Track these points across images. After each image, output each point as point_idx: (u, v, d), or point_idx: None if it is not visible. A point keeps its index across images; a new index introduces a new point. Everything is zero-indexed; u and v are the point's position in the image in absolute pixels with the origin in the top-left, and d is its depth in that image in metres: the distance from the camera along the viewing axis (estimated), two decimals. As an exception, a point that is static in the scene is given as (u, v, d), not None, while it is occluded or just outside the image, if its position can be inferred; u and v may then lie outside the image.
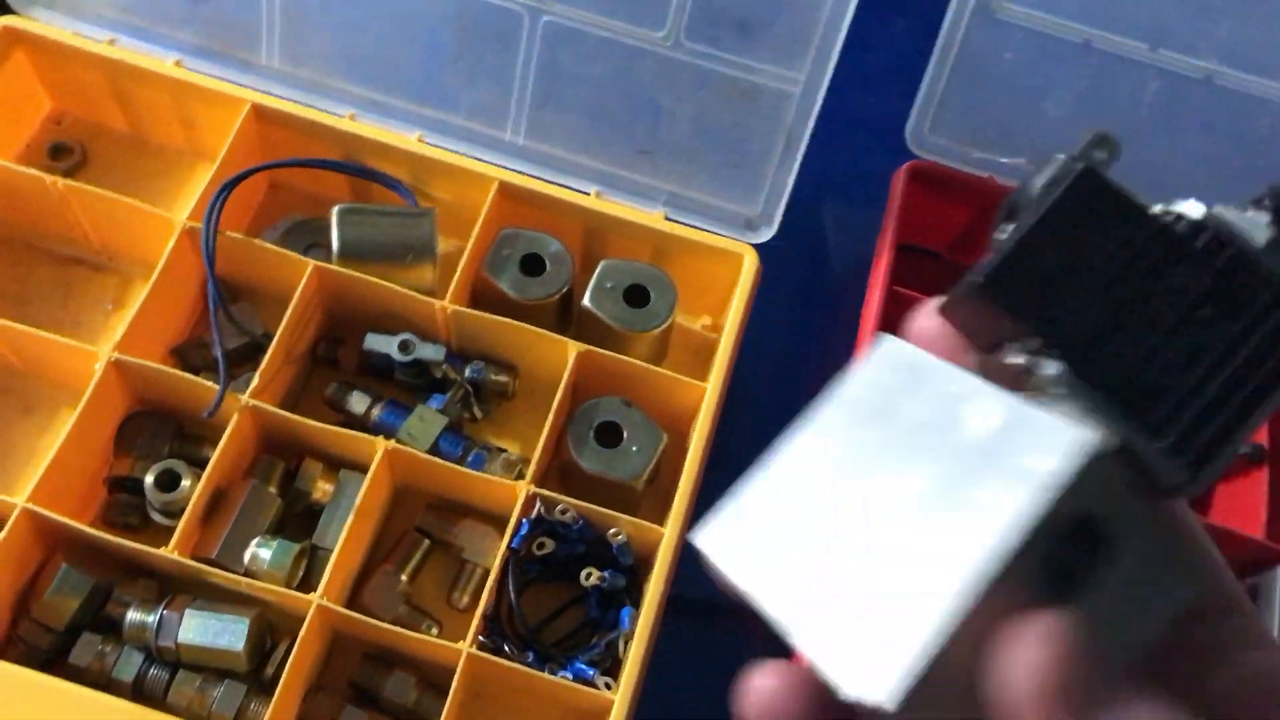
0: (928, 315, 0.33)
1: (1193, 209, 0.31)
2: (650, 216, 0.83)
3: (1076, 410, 0.30)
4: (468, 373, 0.81)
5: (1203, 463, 0.29)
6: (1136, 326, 0.30)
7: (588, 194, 0.84)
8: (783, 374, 0.92)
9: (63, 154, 0.89)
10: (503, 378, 0.82)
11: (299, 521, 0.76)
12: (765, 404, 0.90)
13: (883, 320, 0.83)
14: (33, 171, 0.79)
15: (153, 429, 0.78)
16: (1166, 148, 0.88)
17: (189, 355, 0.81)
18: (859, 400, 0.34)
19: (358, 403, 0.79)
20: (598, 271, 0.81)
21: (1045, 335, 0.30)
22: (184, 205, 0.81)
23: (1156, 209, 0.32)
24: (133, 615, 0.70)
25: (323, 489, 0.77)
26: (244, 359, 0.80)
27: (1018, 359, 0.31)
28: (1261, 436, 0.84)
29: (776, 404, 0.94)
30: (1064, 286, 0.31)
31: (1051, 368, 0.30)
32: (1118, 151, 0.36)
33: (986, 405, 0.30)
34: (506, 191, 0.83)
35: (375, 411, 0.78)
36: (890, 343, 0.33)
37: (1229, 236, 0.30)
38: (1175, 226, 0.31)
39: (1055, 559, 0.28)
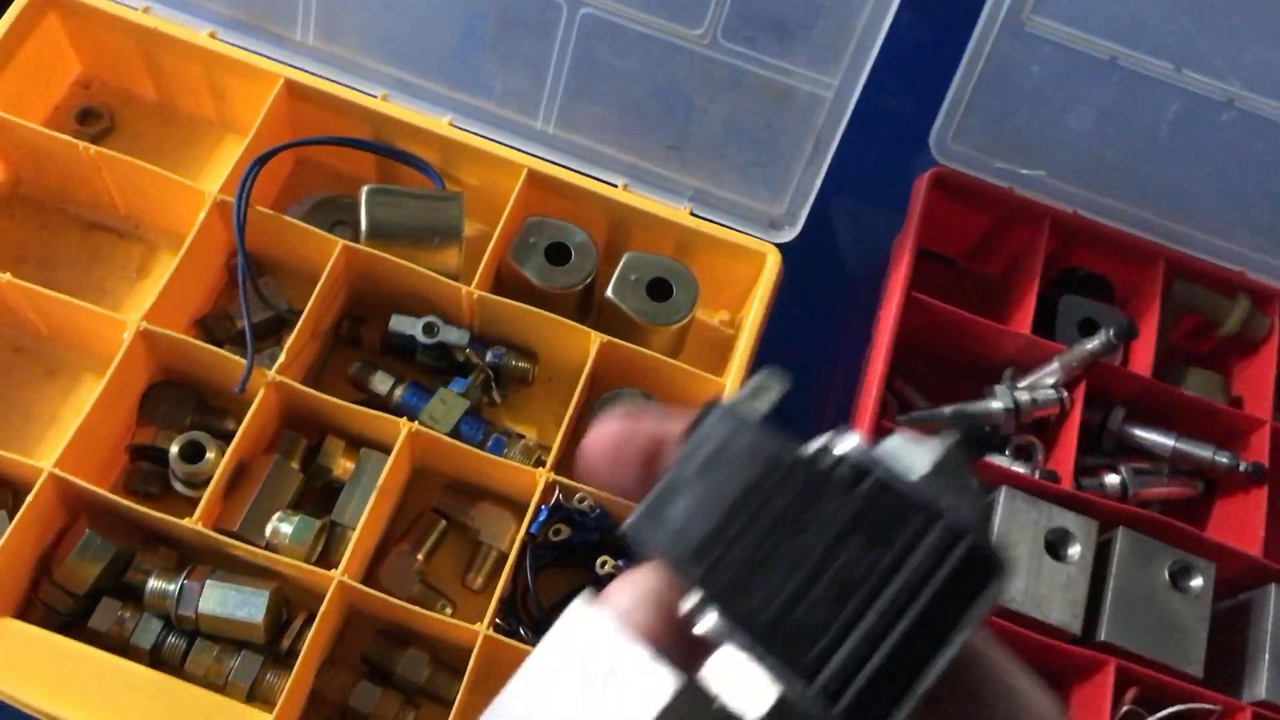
0: (597, 442, 0.33)
1: (847, 443, 0.30)
2: (676, 211, 0.84)
3: (743, 657, 0.28)
4: (489, 358, 0.82)
5: (864, 708, 0.26)
6: (786, 565, 0.29)
7: (615, 186, 0.84)
8: (797, 372, 0.93)
9: (90, 119, 0.89)
10: (523, 364, 0.83)
11: (317, 497, 0.77)
12: (779, 402, 0.92)
13: (901, 324, 0.84)
14: (65, 136, 0.80)
15: (175, 399, 0.78)
16: (1184, 168, 0.89)
17: (213, 327, 0.81)
18: (552, 656, 0.32)
19: (381, 383, 0.79)
20: (622, 263, 0.82)
21: (694, 579, 0.29)
22: (212, 177, 0.81)
23: (815, 444, 0.30)
24: (153, 583, 0.71)
25: (343, 466, 0.77)
26: (267, 334, 0.81)
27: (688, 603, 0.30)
28: (1262, 455, 0.86)
29: (790, 402, 0.96)
30: (711, 529, 0.29)
31: (711, 614, 0.29)
32: (779, 394, 0.34)
33: (611, 648, 0.29)
34: (535, 180, 0.84)
35: (398, 392, 0.79)
36: (582, 604, 0.30)
37: (870, 465, 0.29)
38: (819, 459, 0.29)
39: None
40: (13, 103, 0.81)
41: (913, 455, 0.30)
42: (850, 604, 0.27)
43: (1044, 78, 0.88)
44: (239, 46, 0.85)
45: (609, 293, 0.81)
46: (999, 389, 0.85)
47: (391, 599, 0.71)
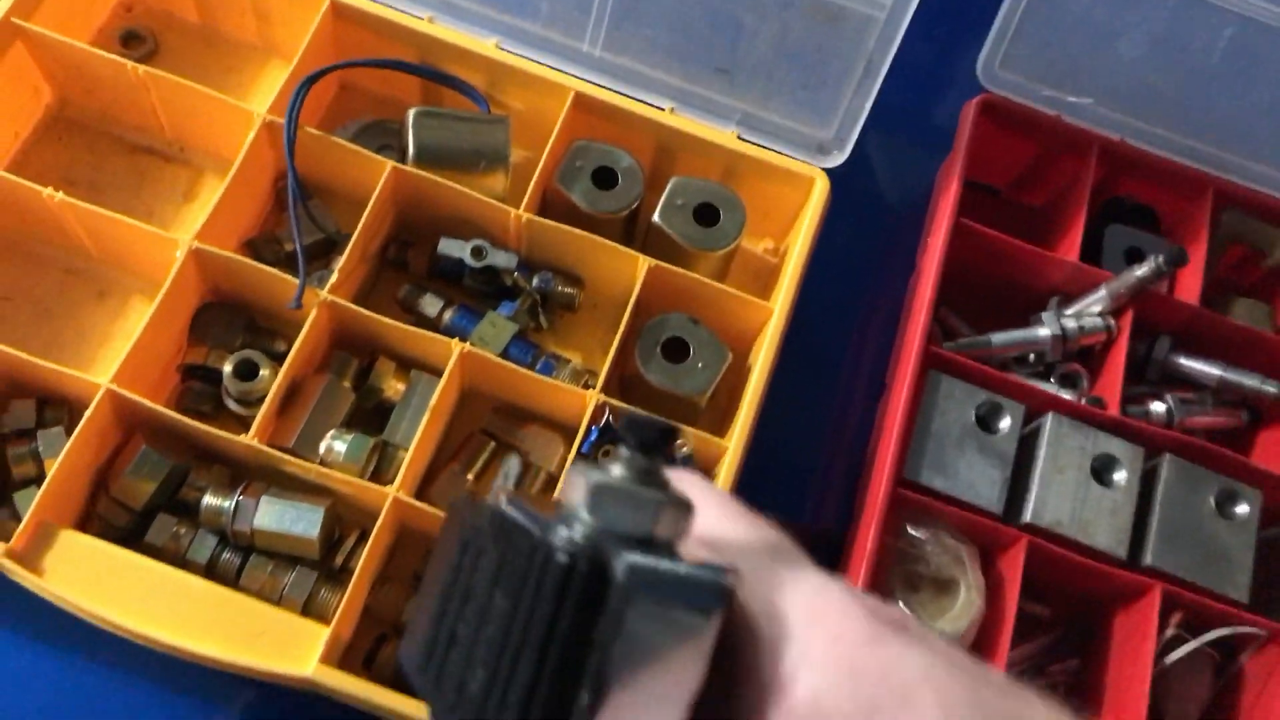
0: None
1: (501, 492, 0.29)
2: (723, 135, 0.84)
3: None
4: (536, 282, 0.81)
5: None
6: (454, 622, 0.28)
7: (662, 109, 0.84)
8: (837, 300, 0.93)
9: (134, 42, 0.89)
10: (569, 289, 0.83)
11: (367, 418, 0.78)
12: (818, 328, 0.92)
13: (948, 250, 0.83)
14: (112, 56, 0.79)
15: (226, 320, 0.79)
16: (1236, 95, 0.88)
17: (261, 249, 0.81)
18: None
19: (430, 305, 0.80)
20: (669, 188, 0.82)
21: (426, 700, 0.29)
22: (259, 99, 0.81)
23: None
24: (209, 500, 0.72)
25: (394, 387, 0.78)
26: (316, 256, 0.81)
27: None
28: None
29: (830, 328, 0.97)
30: (427, 636, 0.29)
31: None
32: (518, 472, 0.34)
33: None
34: (581, 103, 0.83)
35: (447, 315, 0.79)
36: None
37: (499, 510, 0.27)
38: (478, 519, 0.28)
39: None
40: (57, 25, 0.81)
41: (575, 484, 0.28)
42: (501, 663, 0.25)
43: (1094, 3, 0.86)
44: (284, -33, 0.84)
45: (655, 218, 0.81)
46: (1045, 315, 0.85)
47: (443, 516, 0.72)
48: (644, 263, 0.79)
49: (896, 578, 0.77)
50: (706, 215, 0.82)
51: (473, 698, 0.26)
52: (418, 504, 0.71)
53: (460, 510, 0.30)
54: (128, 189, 0.84)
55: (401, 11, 0.84)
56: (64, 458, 0.68)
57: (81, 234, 0.79)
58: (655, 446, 0.28)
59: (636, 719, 0.25)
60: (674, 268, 0.79)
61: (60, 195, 0.74)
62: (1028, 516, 0.77)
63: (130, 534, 0.72)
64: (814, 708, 0.27)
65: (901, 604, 0.76)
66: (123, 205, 0.82)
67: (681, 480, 0.31)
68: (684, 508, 0.27)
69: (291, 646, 0.66)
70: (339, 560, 0.73)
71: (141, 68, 0.79)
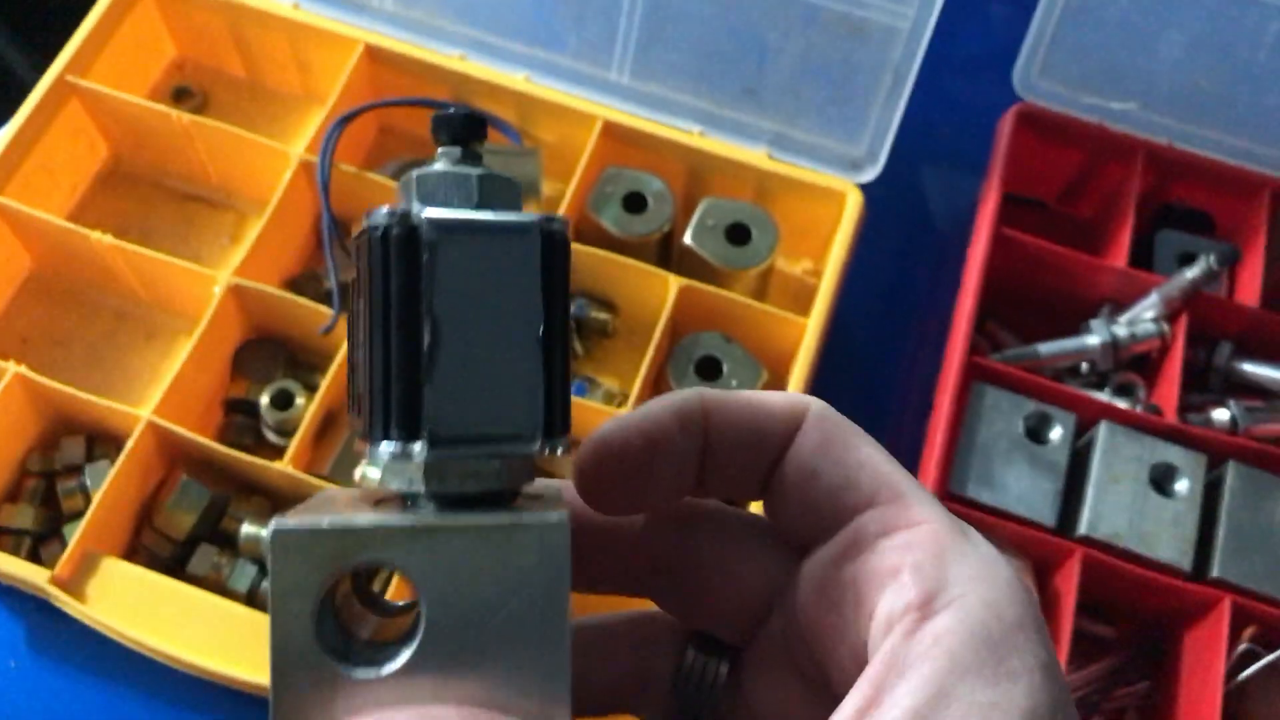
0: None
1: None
2: (754, 155, 0.84)
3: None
4: (570, 309, 0.82)
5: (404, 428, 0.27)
6: (353, 357, 0.30)
7: (691, 133, 0.84)
8: (884, 320, 0.92)
9: (185, 97, 0.92)
10: (603, 315, 0.83)
11: (405, 447, 0.78)
12: (864, 348, 0.90)
13: (989, 261, 0.81)
14: (159, 106, 0.83)
15: (267, 355, 0.80)
16: (1286, 92, 0.85)
17: (303, 287, 0.83)
18: None
19: (464, 333, 0.80)
20: (700, 209, 0.82)
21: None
22: (298, 142, 0.83)
23: None
24: (247, 529, 0.73)
25: (429, 415, 0.78)
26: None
27: None
28: None
29: (876, 349, 0.95)
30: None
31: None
32: None
33: None
34: (610, 131, 0.84)
35: (481, 341, 0.80)
36: None
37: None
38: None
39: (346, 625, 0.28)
40: (111, 83, 0.85)
41: (405, 185, 0.30)
42: (369, 350, 0.27)
43: (1131, 6, 0.85)
44: (320, 14, 0.87)
45: (687, 239, 0.81)
46: (1095, 323, 0.82)
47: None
48: (675, 282, 0.78)
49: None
50: (738, 235, 0.82)
51: (363, 393, 0.28)
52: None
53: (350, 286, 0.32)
54: (176, 236, 0.87)
55: (434, 51, 0.86)
56: (107, 487, 0.70)
57: (130, 276, 0.81)
58: (468, 136, 0.30)
59: (488, 356, 0.28)
60: (705, 286, 0.79)
61: (108, 238, 0.77)
62: (1083, 529, 0.74)
63: (174, 564, 0.73)
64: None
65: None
66: (171, 250, 0.85)
67: None
68: (506, 181, 0.30)
69: (325, 670, 0.66)
70: (375, 587, 0.73)
71: (186, 116, 0.82)
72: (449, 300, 0.27)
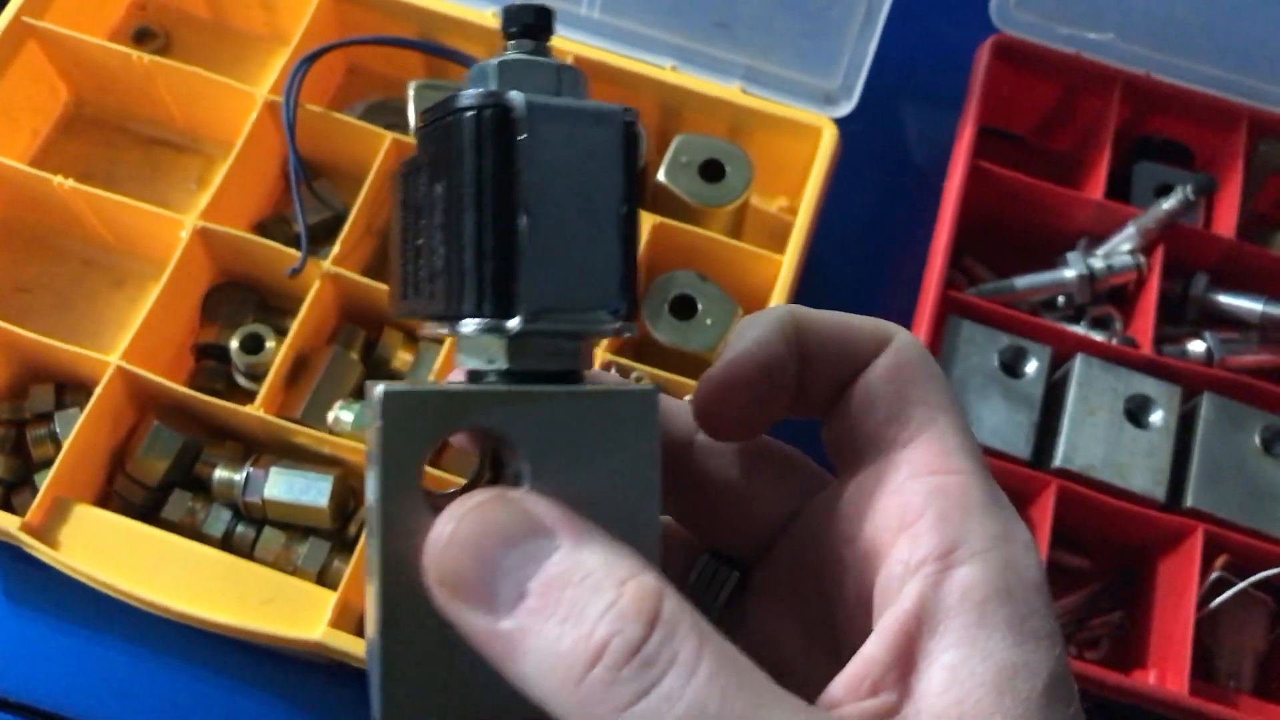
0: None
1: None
2: (727, 90, 0.82)
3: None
4: (543, 248, 0.81)
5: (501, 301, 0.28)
6: (415, 241, 0.31)
7: (664, 68, 0.83)
8: (860, 256, 0.91)
9: (147, 39, 0.90)
10: (578, 254, 0.82)
11: (379, 390, 0.78)
12: (840, 284, 0.90)
13: (965, 194, 0.81)
14: (120, 48, 0.81)
15: (237, 299, 0.80)
16: (1266, 19, 0.84)
17: (271, 230, 0.82)
18: None
19: (436, 274, 0.79)
20: (673, 146, 0.81)
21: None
22: (263, 83, 0.82)
23: None
24: (220, 473, 0.72)
25: (402, 359, 0.78)
26: (325, 235, 0.81)
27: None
28: None
29: (852, 285, 0.94)
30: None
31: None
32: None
33: None
34: (582, 66, 0.82)
35: (453, 282, 0.79)
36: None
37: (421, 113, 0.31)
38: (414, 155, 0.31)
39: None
40: (69, 24, 0.83)
41: (476, 74, 0.31)
42: (451, 231, 0.28)
43: (1110, -66, 0.84)
44: (283, -49, 0.85)
45: (660, 176, 0.80)
46: (1071, 256, 0.82)
47: (452, 477, 0.71)
48: (649, 220, 0.78)
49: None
50: (712, 171, 0.80)
51: (438, 272, 0.29)
52: (428, 469, 0.70)
53: (400, 172, 0.32)
54: (142, 180, 0.85)
55: (400, -13, 0.84)
56: (77, 433, 0.69)
57: (95, 222, 0.80)
58: (540, 28, 0.31)
59: (576, 235, 0.29)
60: (679, 224, 0.78)
61: (70, 182, 0.76)
62: (1058, 461, 0.74)
63: (147, 510, 0.73)
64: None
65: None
66: (137, 195, 0.83)
67: None
68: (578, 72, 0.31)
69: (301, 612, 0.66)
70: (352, 530, 0.73)
71: (147, 57, 0.80)
72: (542, 179, 0.28)
